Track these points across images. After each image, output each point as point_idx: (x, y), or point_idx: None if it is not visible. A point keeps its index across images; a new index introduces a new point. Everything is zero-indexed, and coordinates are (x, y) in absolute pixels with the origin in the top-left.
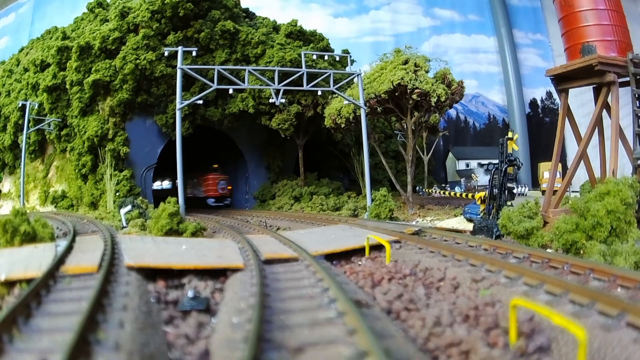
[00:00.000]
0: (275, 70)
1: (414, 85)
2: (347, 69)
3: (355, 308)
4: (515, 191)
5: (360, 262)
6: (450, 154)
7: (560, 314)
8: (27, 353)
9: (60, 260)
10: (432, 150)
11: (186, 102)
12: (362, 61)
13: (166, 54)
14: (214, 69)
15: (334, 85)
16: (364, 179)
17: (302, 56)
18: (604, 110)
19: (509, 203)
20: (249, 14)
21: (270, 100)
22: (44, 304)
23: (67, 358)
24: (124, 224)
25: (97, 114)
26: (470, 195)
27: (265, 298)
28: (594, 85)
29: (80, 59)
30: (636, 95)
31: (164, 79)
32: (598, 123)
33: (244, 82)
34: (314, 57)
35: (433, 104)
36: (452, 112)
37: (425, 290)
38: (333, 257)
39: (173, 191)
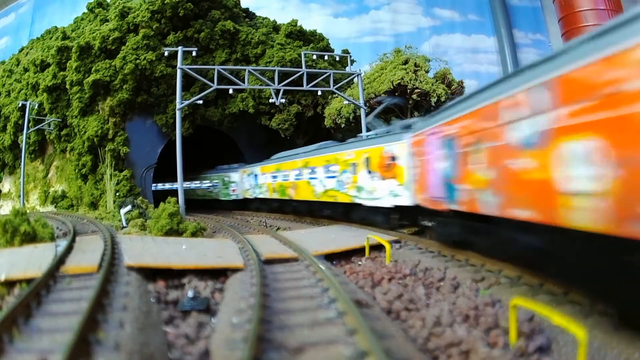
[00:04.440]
0: (275, 70)
1: (414, 85)
2: (347, 69)
3: (355, 308)
4: None
5: (360, 262)
6: None
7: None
8: (27, 353)
9: (60, 260)
10: None
11: (186, 102)
12: (362, 61)
13: (166, 54)
14: (214, 69)
15: (334, 85)
16: None
17: (302, 56)
18: None
19: None
20: (249, 14)
21: (270, 100)
22: (44, 304)
23: (67, 358)
24: (124, 224)
25: (97, 114)
26: None
27: (265, 298)
28: None
29: (80, 59)
30: None
31: (164, 79)
32: None
33: (244, 82)
34: (314, 57)
35: (433, 104)
36: None
37: (425, 290)
38: (333, 257)
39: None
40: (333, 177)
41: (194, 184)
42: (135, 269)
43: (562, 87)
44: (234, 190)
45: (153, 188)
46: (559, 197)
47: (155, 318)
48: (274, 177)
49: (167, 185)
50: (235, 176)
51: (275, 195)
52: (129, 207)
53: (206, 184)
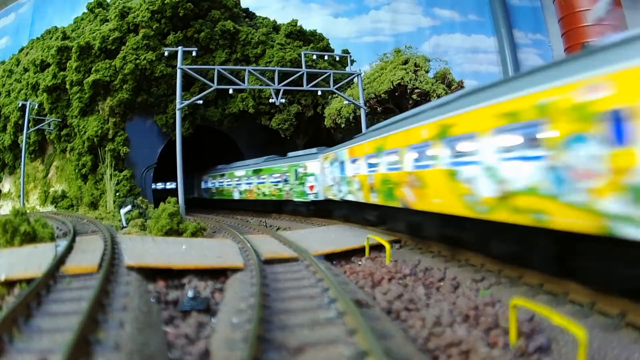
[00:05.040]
0: (275, 71)
1: (414, 85)
2: (347, 69)
3: (355, 308)
4: None
5: (360, 262)
6: None
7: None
8: (27, 353)
9: (60, 261)
10: None
11: (186, 102)
12: (362, 61)
13: (166, 54)
14: (214, 69)
15: (334, 85)
16: None
17: (302, 56)
18: None
19: None
20: (249, 14)
21: (270, 100)
22: (44, 303)
23: (67, 358)
24: (124, 224)
25: (97, 114)
26: None
27: (265, 298)
28: None
29: (80, 59)
30: None
31: (164, 79)
32: None
33: (244, 82)
34: (314, 57)
35: None
36: None
37: (425, 290)
38: (333, 257)
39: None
40: (533, 157)
41: (253, 180)
42: (135, 269)
43: None
44: (312, 188)
45: (203, 185)
46: None
47: (155, 318)
48: (372, 164)
49: (226, 182)
50: (313, 165)
51: (375, 199)
52: (129, 207)
53: (275, 178)
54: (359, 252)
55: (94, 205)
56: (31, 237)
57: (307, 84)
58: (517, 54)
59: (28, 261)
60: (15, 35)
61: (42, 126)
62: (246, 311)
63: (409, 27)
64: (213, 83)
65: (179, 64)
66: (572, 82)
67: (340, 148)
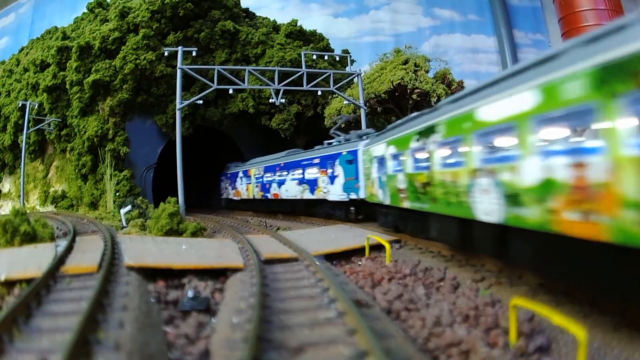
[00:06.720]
0: (275, 71)
1: (414, 85)
2: (347, 69)
3: (355, 308)
4: None
5: (360, 262)
6: None
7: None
8: (27, 353)
9: (60, 261)
10: None
11: (186, 102)
12: (362, 61)
13: (166, 54)
14: (214, 69)
15: (334, 85)
16: None
17: (302, 56)
18: None
19: None
20: (249, 14)
21: (270, 100)
22: (44, 303)
23: (67, 358)
24: (124, 224)
25: (97, 114)
26: None
27: (265, 298)
28: None
29: (80, 59)
30: None
31: (164, 79)
32: None
33: (244, 82)
34: (314, 57)
35: (433, 104)
36: None
37: (425, 290)
38: (333, 257)
39: None
40: None
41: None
42: (135, 269)
43: None
44: None
45: (377, 172)
46: None
47: (155, 318)
48: None
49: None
50: None
51: None
52: (129, 207)
53: None
54: (359, 252)
55: (94, 205)
56: (31, 237)
57: (307, 84)
58: (517, 54)
59: (28, 261)
60: (15, 35)
61: (42, 126)
62: (246, 311)
63: (409, 27)
64: (213, 83)
65: (179, 64)
66: None
67: None
